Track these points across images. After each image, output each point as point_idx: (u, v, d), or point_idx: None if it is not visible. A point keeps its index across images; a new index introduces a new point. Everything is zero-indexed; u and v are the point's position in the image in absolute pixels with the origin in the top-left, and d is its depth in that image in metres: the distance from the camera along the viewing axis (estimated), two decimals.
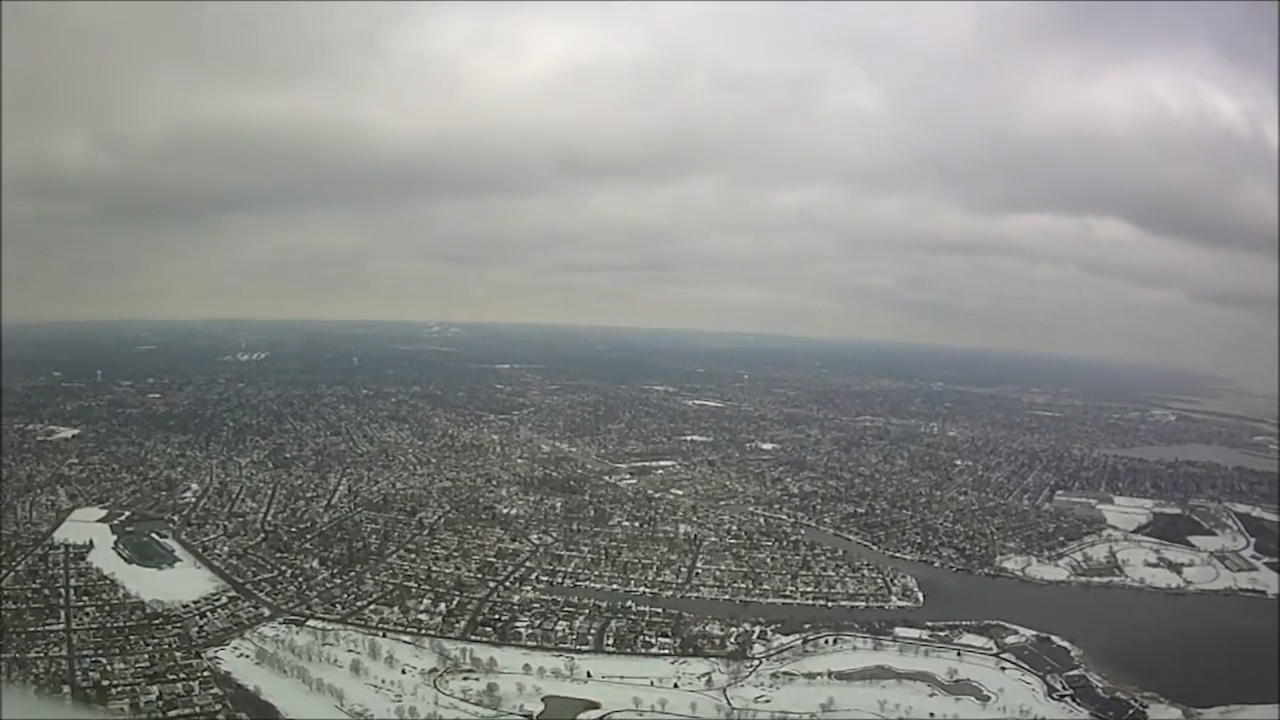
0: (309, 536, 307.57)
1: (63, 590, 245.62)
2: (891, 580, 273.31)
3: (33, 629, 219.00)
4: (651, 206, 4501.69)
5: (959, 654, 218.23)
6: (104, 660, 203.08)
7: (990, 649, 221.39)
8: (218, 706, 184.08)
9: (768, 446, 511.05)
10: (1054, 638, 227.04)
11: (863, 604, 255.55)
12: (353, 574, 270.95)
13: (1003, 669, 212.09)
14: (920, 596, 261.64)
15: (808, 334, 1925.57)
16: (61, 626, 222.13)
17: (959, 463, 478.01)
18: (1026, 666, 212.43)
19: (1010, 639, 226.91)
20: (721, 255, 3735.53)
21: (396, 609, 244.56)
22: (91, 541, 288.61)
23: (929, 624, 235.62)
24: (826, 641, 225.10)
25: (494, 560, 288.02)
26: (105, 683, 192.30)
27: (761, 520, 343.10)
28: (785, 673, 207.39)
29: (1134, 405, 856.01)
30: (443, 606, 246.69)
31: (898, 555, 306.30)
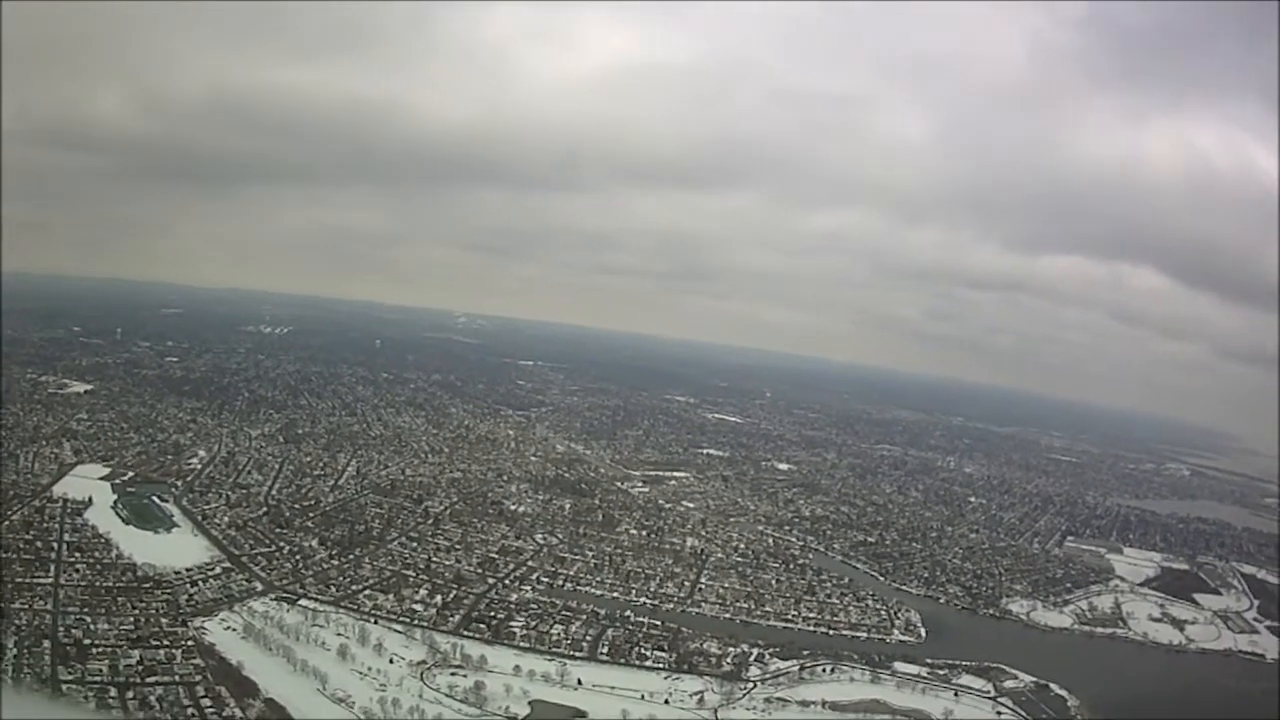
0: (312, 515, 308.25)
1: (55, 544, 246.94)
2: (895, 613, 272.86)
3: (20, 580, 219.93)
4: (690, 214, 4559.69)
5: (956, 694, 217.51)
6: (88, 619, 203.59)
7: (988, 692, 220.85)
8: (197, 677, 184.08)
9: (783, 467, 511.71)
10: (1053, 685, 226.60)
11: (864, 635, 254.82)
12: (351, 557, 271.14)
13: (999, 713, 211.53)
14: (923, 632, 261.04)
15: (832, 357, 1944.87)
16: (50, 580, 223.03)
17: (973, 500, 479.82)
18: (1022, 713, 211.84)
19: (1009, 683, 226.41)
20: (754, 271, 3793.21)
21: (392, 596, 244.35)
22: (90, 498, 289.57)
23: (929, 661, 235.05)
24: (824, 670, 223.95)
25: (496, 556, 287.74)
26: (87, 642, 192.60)
27: (770, 540, 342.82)
28: (779, 698, 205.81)
29: (1149, 457, 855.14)
30: (439, 598, 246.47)
31: (904, 588, 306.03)
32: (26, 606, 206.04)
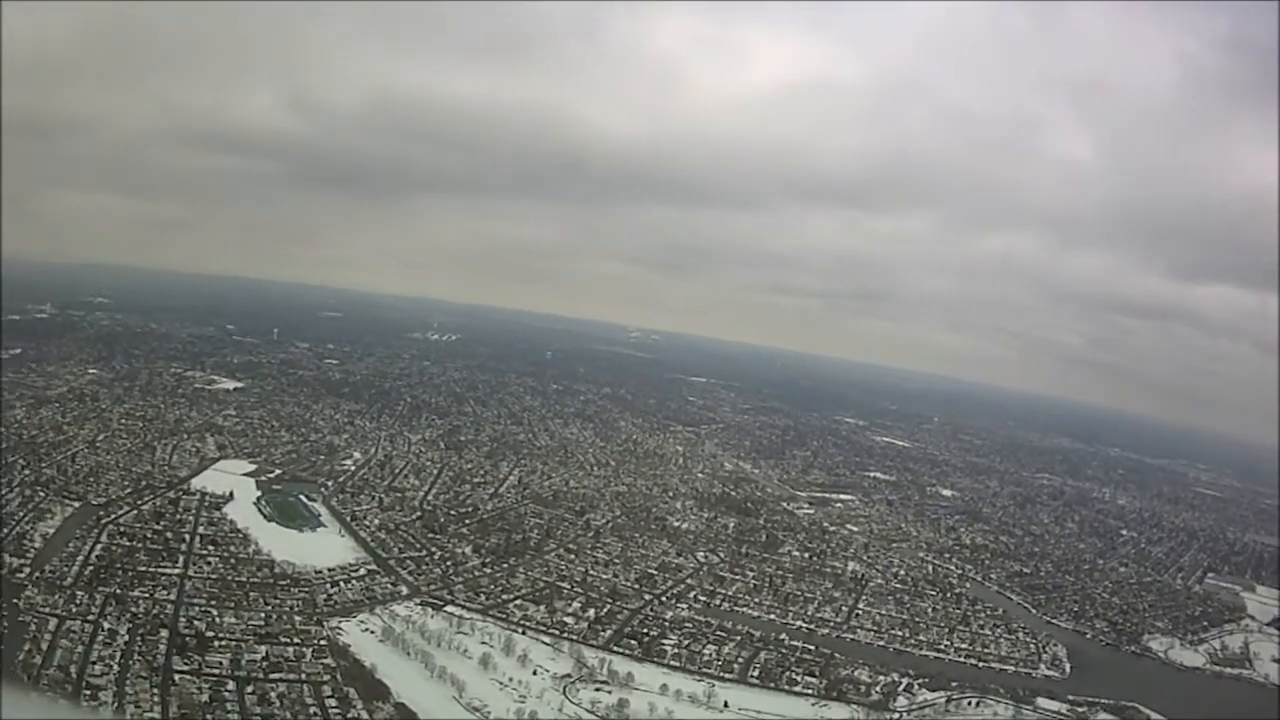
0: (468, 522, 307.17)
1: (187, 536, 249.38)
2: (1043, 647, 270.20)
3: (143, 569, 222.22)
4: (862, 235, 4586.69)
5: None
6: (213, 611, 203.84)
7: None
8: (326, 676, 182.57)
9: (947, 493, 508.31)
10: None
11: (1012, 668, 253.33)
12: (505, 566, 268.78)
13: None
14: (1068, 667, 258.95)
15: (997, 383, 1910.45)
16: (177, 571, 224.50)
17: (1124, 532, 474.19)
18: None
19: None
20: (925, 294, 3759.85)
21: (543, 608, 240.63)
22: (232, 493, 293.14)
23: (1070, 698, 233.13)
24: (970, 704, 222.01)
25: (655, 572, 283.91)
26: (209, 634, 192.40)
27: (930, 568, 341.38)
28: None
29: None
30: (591, 612, 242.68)
31: (1054, 621, 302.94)
32: (147, 595, 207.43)
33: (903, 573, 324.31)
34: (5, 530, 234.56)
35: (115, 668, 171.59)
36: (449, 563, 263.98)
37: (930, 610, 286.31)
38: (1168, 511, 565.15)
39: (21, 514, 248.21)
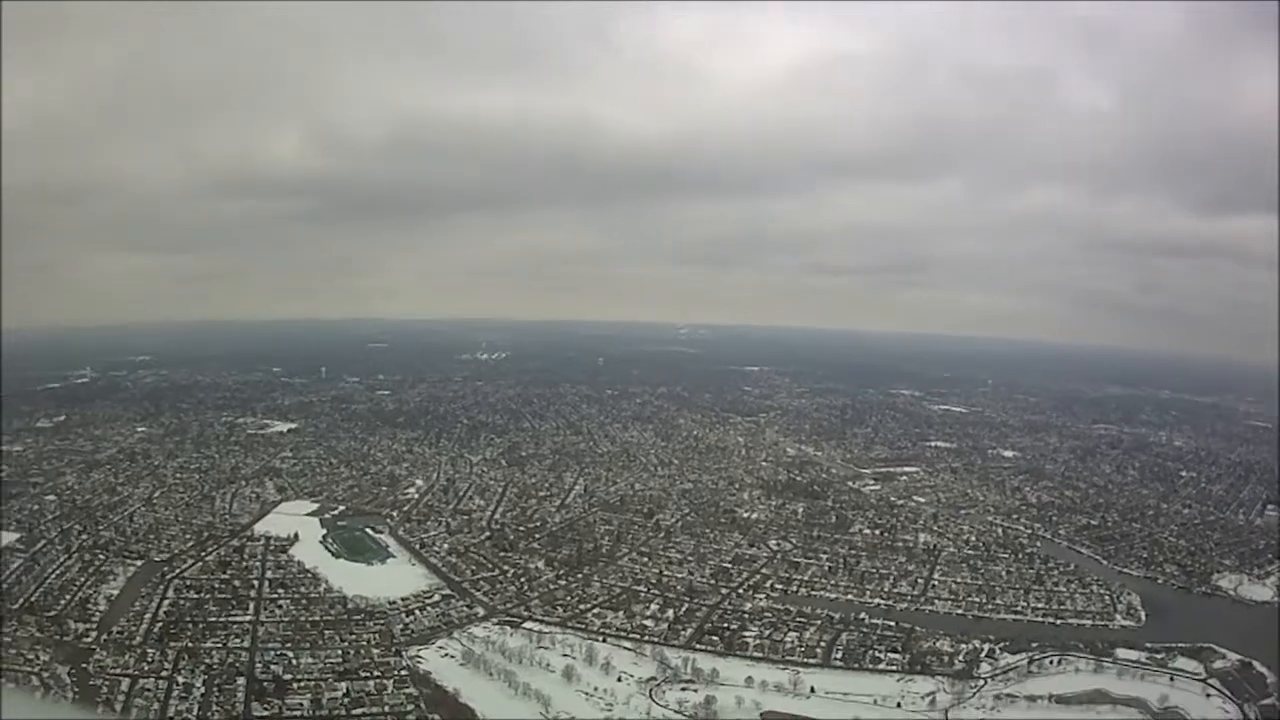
0: (537, 536, 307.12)
1: (255, 582, 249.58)
2: (1118, 597, 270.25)
3: (214, 619, 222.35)
4: (896, 207, 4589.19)
5: (1171, 679, 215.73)
6: (290, 654, 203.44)
7: (1199, 674, 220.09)
8: (409, 706, 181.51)
9: (1008, 454, 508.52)
10: (1255, 663, 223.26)
11: (1089, 622, 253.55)
12: (579, 576, 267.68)
13: (1208, 695, 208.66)
14: (1143, 615, 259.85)
15: (1043, 338, 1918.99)
16: (249, 618, 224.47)
17: (1184, 474, 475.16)
18: (1229, 694, 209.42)
19: (1218, 663, 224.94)
20: (963, 257, 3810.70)
21: (621, 613, 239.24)
22: (296, 534, 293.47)
23: (1148, 645, 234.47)
24: (1051, 662, 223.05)
25: (729, 566, 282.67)
26: (287, 676, 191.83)
27: (1000, 531, 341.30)
28: (1008, 694, 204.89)
29: None
30: (670, 613, 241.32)
31: (1125, 570, 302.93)
32: (220, 645, 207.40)
33: (973, 538, 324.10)
34: (68, 597, 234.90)
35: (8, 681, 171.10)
36: (523, 579, 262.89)
37: (1004, 573, 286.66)
38: (1222, 448, 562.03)
39: (83, 579, 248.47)
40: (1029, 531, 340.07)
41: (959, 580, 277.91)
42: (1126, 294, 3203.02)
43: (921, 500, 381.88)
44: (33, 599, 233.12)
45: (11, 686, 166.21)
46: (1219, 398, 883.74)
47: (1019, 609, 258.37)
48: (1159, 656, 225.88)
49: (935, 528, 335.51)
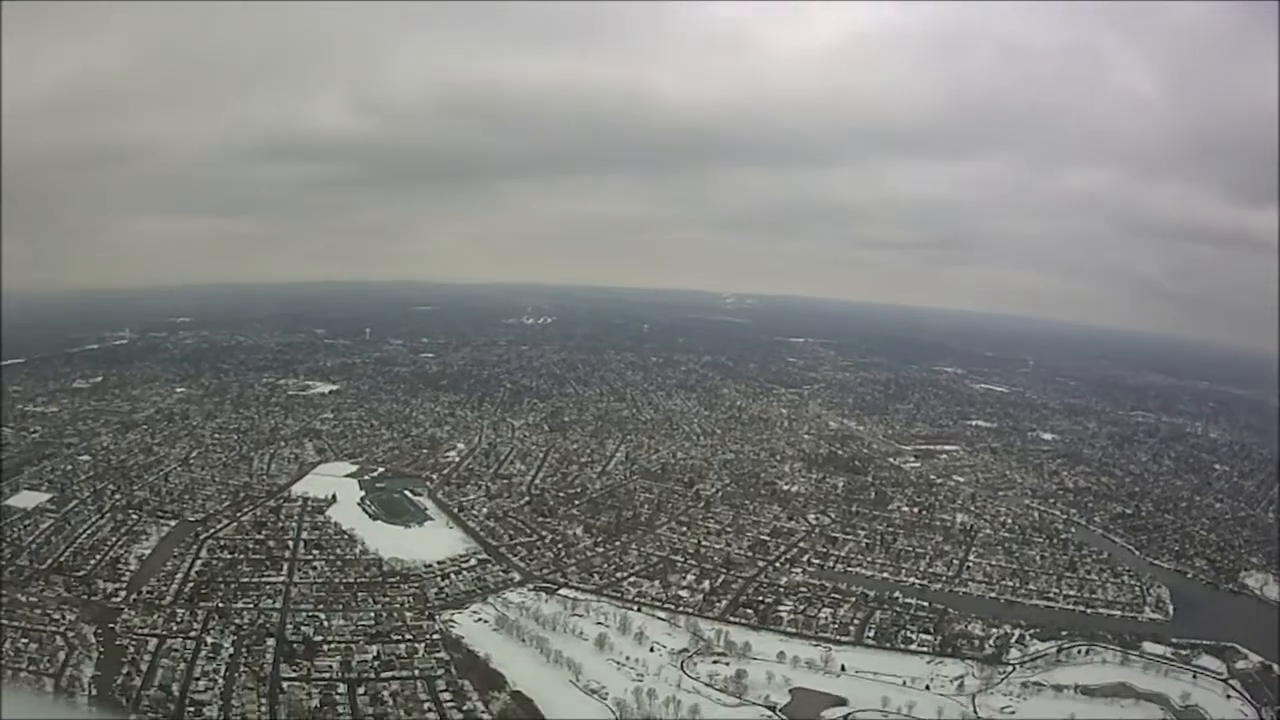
0: (577, 502, 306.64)
1: (290, 543, 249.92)
2: (1147, 590, 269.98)
3: (246, 580, 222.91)
4: (941, 183, 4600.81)
5: (1195, 676, 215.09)
6: (321, 616, 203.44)
7: (1222, 673, 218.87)
8: (440, 671, 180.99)
9: (1048, 437, 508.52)
10: (1275, 666, 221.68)
11: (1119, 613, 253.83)
12: (617, 544, 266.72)
13: (1228, 696, 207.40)
14: (1171, 609, 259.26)
15: (1083, 320, 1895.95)
16: (282, 579, 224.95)
17: (1218, 467, 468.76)
18: (1249, 697, 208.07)
19: (1240, 664, 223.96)
20: (1005, 235, 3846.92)
21: (657, 583, 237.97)
22: (334, 496, 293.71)
23: (1174, 641, 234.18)
24: (1079, 652, 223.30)
25: (767, 539, 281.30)
26: (317, 639, 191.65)
27: (1036, 515, 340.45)
28: (1035, 683, 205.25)
29: None
30: (706, 584, 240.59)
31: (1156, 562, 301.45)
32: (251, 606, 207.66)
33: (1010, 521, 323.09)
34: (98, 557, 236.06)
35: (220, 681, 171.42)
36: (560, 545, 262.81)
37: (1038, 558, 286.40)
38: (1256, 443, 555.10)
39: (114, 539, 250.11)
40: (1065, 517, 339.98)
41: (994, 563, 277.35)
42: (1162, 280, 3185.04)
43: (960, 480, 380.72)
44: (62, 559, 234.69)
45: (12, 686, 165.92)
46: (1253, 391, 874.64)
47: (1051, 595, 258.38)
48: (1184, 653, 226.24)
49: (973, 508, 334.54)
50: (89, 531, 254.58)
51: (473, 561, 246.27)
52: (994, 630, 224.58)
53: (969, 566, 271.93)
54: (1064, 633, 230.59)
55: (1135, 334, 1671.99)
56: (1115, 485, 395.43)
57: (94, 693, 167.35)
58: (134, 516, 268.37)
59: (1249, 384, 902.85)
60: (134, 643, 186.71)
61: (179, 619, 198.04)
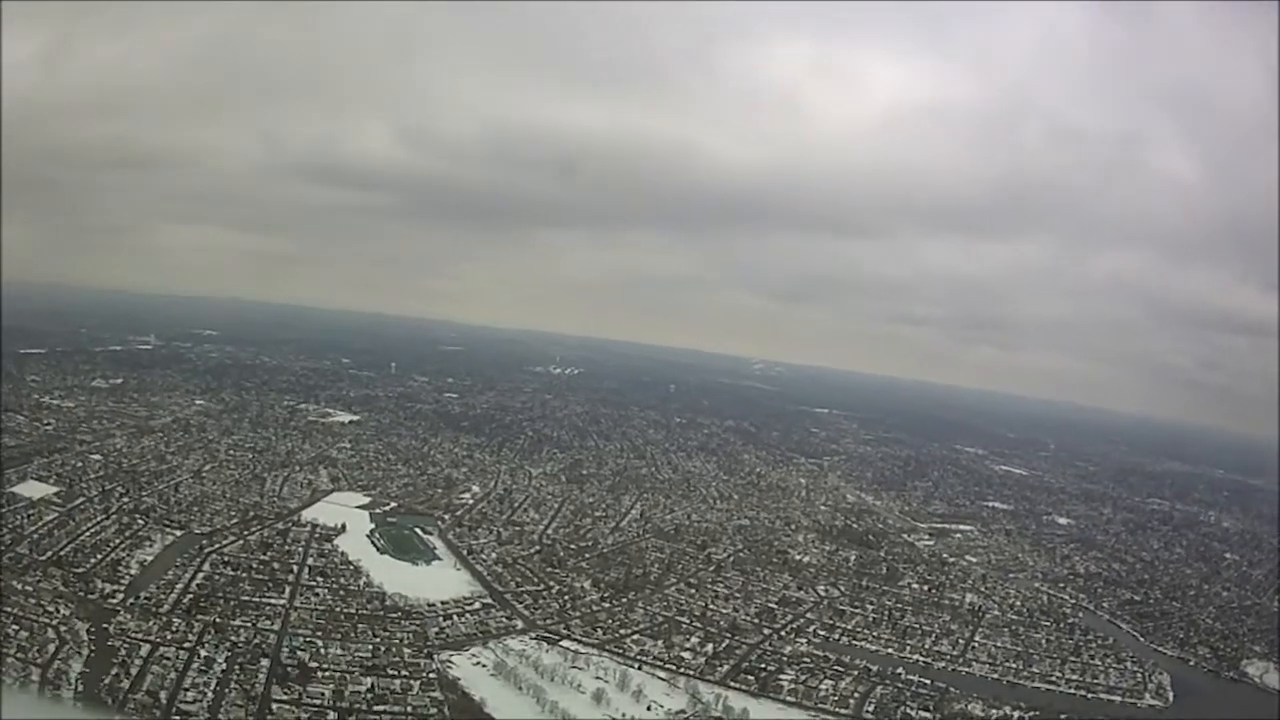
0: (587, 555, 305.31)
1: (295, 567, 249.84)
2: (1149, 676, 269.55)
3: (247, 598, 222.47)
4: (979, 261, 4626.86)
5: None
6: (318, 642, 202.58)
7: None
8: (433, 710, 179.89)
9: (1063, 521, 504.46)
10: None
11: (1119, 698, 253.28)
12: (624, 600, 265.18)
13: None
14: (1170, 695, 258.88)
15: (1110, 406, 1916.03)
16: (282, 602, 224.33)
17: (1228, 555, 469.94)
18: None
19: None
20: (1037, 318, 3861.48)
21: (660, 643, 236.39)
22: (344, 525, 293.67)
23: None
24: None
25: (775, 607, 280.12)
26: (312, 665, 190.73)
27: (1045, 598, 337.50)
28: None
29: None
30: (710, 647, 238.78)
31: (1160, 649, 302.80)
32: (249, 624, 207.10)
33: (1018, 604, 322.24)
34: (99, 556, 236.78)
35: (209, 695, 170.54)
36: (567, 597, 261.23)
37: (1044, 641, 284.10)
38: (1267, 532, 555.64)
39: (117, 541, 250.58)
40: (1073, 601, 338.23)
41: (999, 644, 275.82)
42: (1189, 368, 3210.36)
43: (973, 560, 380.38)
44: (62, 553, 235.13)
45: (12, 686, 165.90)
46: (1267, 481, 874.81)
47: (1053, 679, 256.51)
48: None
49: (983, 589, 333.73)
50: (93, 530, 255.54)
51: (477, 605, 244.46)
52: (994, 711, 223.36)
53: (974, 646, 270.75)
54: (1063, 715, 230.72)
55: (1159, 421, 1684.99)
56: (1126, 571, 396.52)
57: (80, 689, 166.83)
58: (140, 521, 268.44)
59: (1262, 473, 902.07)
60: (126, 645, 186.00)
61: (175, 628, 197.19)
